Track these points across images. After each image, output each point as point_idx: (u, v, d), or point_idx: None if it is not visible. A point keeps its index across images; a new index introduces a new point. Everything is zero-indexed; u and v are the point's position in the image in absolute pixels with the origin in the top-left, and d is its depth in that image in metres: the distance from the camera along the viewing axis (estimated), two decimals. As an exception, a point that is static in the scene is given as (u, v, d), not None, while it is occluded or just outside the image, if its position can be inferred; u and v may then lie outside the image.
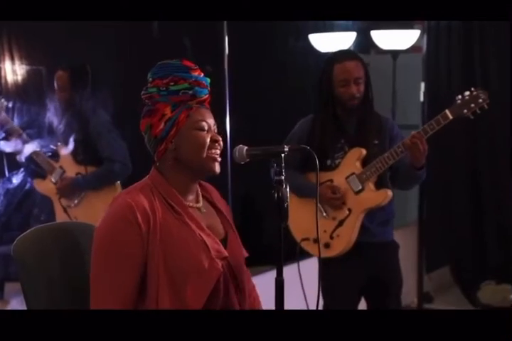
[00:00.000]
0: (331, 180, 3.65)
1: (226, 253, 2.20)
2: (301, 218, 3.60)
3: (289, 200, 2.13)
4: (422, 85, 5.70)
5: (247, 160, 2.19)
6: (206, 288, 2.13)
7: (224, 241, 2.25)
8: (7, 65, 3.84)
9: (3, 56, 3.85)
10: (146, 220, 2.10)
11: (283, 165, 2.13)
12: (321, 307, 3.72)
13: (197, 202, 2.27)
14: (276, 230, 2.13)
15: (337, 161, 3.66)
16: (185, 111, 2.15)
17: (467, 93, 3.46)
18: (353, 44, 5.47)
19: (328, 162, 3.65)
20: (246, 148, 2.18)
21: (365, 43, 5.58)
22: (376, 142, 3.64)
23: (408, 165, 3.52)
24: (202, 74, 2.20)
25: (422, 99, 5.70)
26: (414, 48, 5.64)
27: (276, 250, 2.13)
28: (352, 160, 3.63)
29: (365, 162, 3.62)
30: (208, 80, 2.21)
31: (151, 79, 2.18)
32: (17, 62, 3.85)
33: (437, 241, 5.99)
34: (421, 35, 5.54)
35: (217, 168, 2.21)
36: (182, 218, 2.17)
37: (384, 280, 3.72)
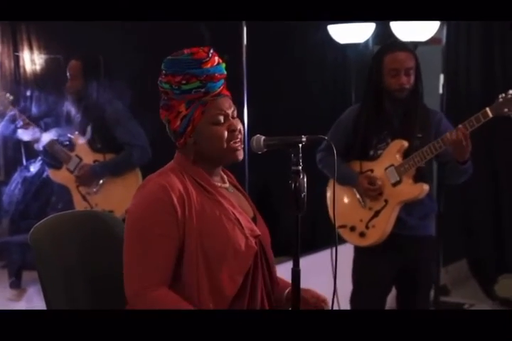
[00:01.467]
0: (372, 170, 3.68)
1: (259, 232, 2.23)
2: (340, 205, 3.65)
3: (305, 191, 2.12)
4: (441, 77, 5.66)
5: (265, 149, 2.18)
6: (244, 267, 2.16)
7: (253, 220, 2.27)
8: (25, 54, 3.85)
9: (21, 45, 3.86)
10: (182, 202, 2.11)
11: (300, 155, 2.12)
12: (349, 294, 3.75)
13: (224, 182, 2.29)
14: (293, 220, 2.13)
15: (379, 152, 3.68)
16: (200, 107, 2.15)
17: (510, 92, 3.43)
18: (372, 35, 5.44)
19: (371, 152, 3.68)
20: (263, 137, 2.17)
21: (384, 34, 5.53)
22: (420, 135, 3.63)
23: (453, 160, 3.52)
24: (216, 62, 2.16)
25: (441, 91, 5.66)
26: (433, 40, 5.58)
27: (293, 240, 2.12)
28: (392, 152, 3.64)
29: (407, 154, 3.62)
30: (223, 66, 2.19)
31: (164, 72, 2.17)
32: (35, 52, 3.86)
33: (455, 234, 5.96)
34: (440, 26, 5.49)
35: (240, 157, 2.23)
36: (215, 197, 2.18)
37: (416, 273, 3.74)
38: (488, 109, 3.43)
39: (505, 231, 5.81)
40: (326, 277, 3.27)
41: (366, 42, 5.52)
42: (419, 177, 3.65)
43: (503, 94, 3.44)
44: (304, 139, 2.13)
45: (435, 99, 5.66)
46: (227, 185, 2.29)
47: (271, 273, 2.29)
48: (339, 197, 3.75)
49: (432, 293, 5.63)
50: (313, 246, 4.34)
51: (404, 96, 3.60)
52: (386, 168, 3.65)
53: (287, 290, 2.30)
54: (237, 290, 2.15)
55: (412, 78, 3.60)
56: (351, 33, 5.30)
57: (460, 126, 3.44)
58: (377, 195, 3.65)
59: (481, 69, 5.74)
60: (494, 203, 5.86)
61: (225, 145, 2.18)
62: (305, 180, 2.10)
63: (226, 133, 2.18)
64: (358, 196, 3.73)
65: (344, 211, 3.73)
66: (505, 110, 3.42)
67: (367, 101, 3.72)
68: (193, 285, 2.11)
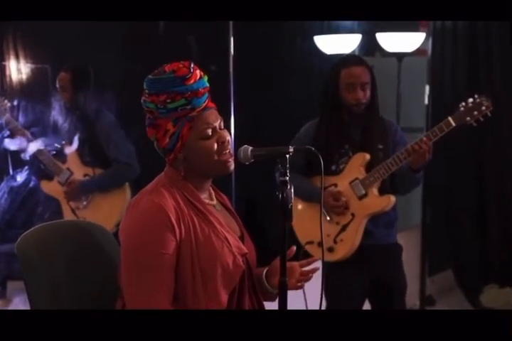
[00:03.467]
0: (335, 185, 3.65)
1: (246, 250, 2.22)
2: (306, 221, 3.62)
3: (293, 201, 2.12)
4: (427, 88, 5.69)
5: (252, 160, 2.18)
6: (229, 285, 2.16)
7: (241, 239, 2.27)
8: (12, 63, 3.84)
9: (8, 55, 3.86)
10: (178, 220, 2.11)
11: (288, 165, 2.13)
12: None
13: (211, 199, 2.28)
14: (279, 231, 2.14)
15: (341, 166, 3.66)
16: (187, 123, 2.13)
17: (470, 100, 3.45)
18: (358, 46, 5.46)
19: (333, 167, 3.66)
20: (251, 148, 2.18)
21: (370, 46, 5.56)
22: (380, 147, 3.64)
23: (406, 169, 3.53)
24: (198, 76, 2.14)
25: (426, 102, 5.68)
26: (419, 51, 5.62)
27: (280, 251, 2.13)
28: (356, 165, 3.63)
29: (369, 167, 3.62)
30: (206, 79, 2.17)
31: (147, 92, 2.15)
32: (22, 61, 3.86)
33: (440, 244, 5.97)
34: (426, 38, 5.52)
35: (231, 168, 2.22)
36: (204, 215, 2.18)
37: (388, 283, 3.73)
38: (450, 118, 3.46)
39: (490, 241, 5.83)
40: (311, 289, 3.28)
41: (352, 53, 5.54)
42: (383, 189, 3.66)
43: (464, 103, 3.47)
44: (291, 150, 2.14)
45: (420, 109, 5.69)
46: (214, 202, 2.28)
47: (256, 292, 2.29)
48: (304, 213, 3.73)
49: (418, 303, 5.66)
50: (298, 257, 4.34)
51: (361, 110, 3.61)
52: (351, 182, 3.64)
53: (265, 271, 2.31)
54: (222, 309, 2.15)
55: (368, 92, 3.61)
56: (338, 44, 5.32)
57: (423, 136, 3.47)
58: (344, 209, 3.65)
59: (466, 80, 5.77)
60: (479, 213, 5.87)
61: (216, 158, 2.17)
62: (292, 190, 2.11)
63: (216, 146, 2.17)
64: (323, 211, 3.71)
65: (310, 227, 3.64)
66: (468, 119, 3.45)
67: (325, 116, 3.71)
68: (189, 300, 2.11)
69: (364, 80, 3.58)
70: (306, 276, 2.33)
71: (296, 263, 2.32)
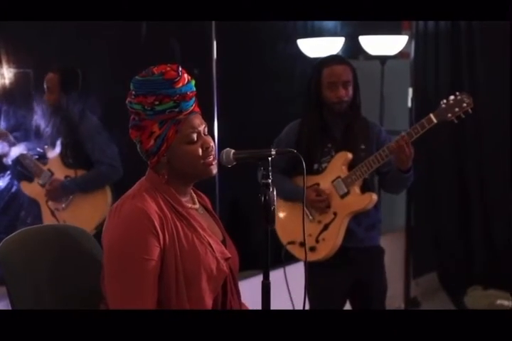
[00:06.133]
0: (318, 184, 3.67)
1: (229, 254, 2.22)
2: (287, 221, 3.64)
3: (275, 203, 2.13)
4: (410, 91, 5.72)
5: (234, 163, 2.19)
6: (214, 290, 2.16)
7: (223, 243, 2.26)
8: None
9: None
10: (161, 225, 2.10)
11: (270, 168, 2.13)
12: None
13: (194, 203, 2.28)
14: (263, 233, 2.14)
15: (323, 165, 3.67)
16: (173, 126, 2.13)
17: (452, 97, 3.48)
18: (341, 49, 5.47)
19: (315, 166, 3.67)
20: (233, 151, 2.19)
21: (353, 49, 5.58)
22: (363, 147, 3.65)
23: (395, 169, 3.54)
24: (186, 80, 2.15)
25: (409, 104, 5.71)
26: (402, 54, 5.65)
27: (264, 253, 2.13)
28: (338, 164, 3.64)
29: (351, 166, 3.63)
30: (193, 83, 2.18)
31: (134, 93, 2.14)
32: (4, 65, 3.84)
33: (425, 247, 6.00)
34: (409, 40, 5.55)
35: (214, 171, 2.22)
36: (187, 220, 2.18)
37: (369, 285, 3.74)
38: (431, 115, 3.48)
39: (474, 244, 5.85)
40: (297, 291, 3.28)
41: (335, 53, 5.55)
42: (365, 187, 3.67)
43: (445, 100, 3.49)
44: (273, 152, 2.15)
45: (404, 112, 5.71)
46: (197, 206, 2.28)
47: (240, 296, 2.30)
48: (286, 214, 3.75)
49: (402, 306, 5.68)
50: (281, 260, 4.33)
51: (343, 108, 3.63)
52: (333, 181, 3.65)
53: None
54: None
55: (350, 91, 3.63)
56: (321, 47, 5.33)
57: (404, 133, 3.48)
58: (326, 207, 3.65)
59: (449, 82, 5.80)
60: (463, 216, 5.90)
61: (200, 163, 2.17)
62: (275, 193, 2.12)
63: (200, 151, 2.17)
64: (305, 210, 3.72)
65: (292, 227, 3.69)
66: (449, 115, 3.48)
67: (307, 115, 3.73)
68: (173, 305, 2.11)
69: (345, 79, 3.61)
70: None
71: None
